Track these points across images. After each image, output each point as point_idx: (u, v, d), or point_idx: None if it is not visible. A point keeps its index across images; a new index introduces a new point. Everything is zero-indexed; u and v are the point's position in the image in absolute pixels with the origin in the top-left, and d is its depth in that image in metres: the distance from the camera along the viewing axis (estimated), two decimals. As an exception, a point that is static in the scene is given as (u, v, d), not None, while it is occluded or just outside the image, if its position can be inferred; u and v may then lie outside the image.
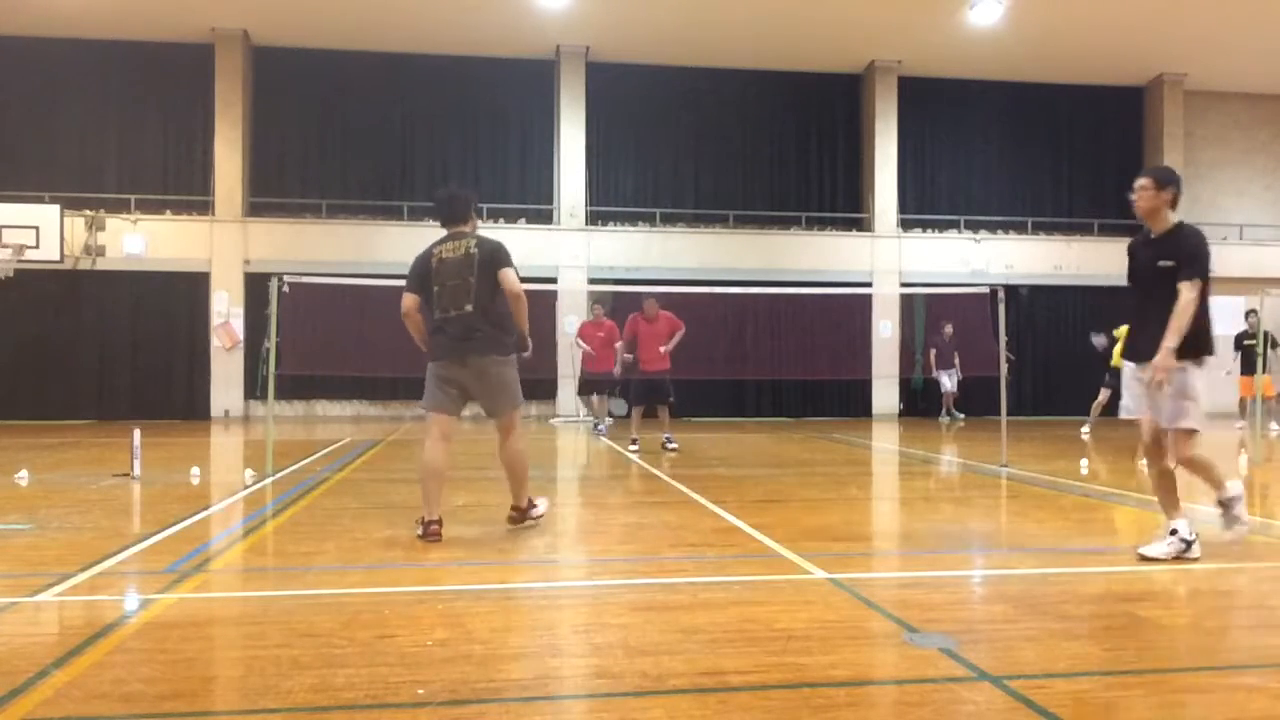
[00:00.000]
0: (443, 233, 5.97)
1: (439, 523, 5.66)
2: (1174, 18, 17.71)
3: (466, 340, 5.69)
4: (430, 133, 19.41)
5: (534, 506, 6.11)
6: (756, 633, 3.72)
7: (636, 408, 11.86)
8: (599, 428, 14.40)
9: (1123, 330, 10.69)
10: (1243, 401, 14.72)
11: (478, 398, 5.89)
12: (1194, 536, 5.10)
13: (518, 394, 5.90)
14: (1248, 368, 13.98)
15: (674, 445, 11.60)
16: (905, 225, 20.27)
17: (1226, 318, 20.90)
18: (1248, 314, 14.89)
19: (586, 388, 14.77)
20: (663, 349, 11.36)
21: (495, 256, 5.79)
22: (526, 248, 18.82)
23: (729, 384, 18.85)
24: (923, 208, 20.48)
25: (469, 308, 5.67)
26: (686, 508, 7.03)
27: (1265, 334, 13.67)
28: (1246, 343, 14.55)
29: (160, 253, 17.95)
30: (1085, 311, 20.38)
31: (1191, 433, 5.01)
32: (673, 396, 11.77)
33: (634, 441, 11.56)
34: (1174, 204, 5.12)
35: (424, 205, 19.05)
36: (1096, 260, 20.35)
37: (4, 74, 18.13)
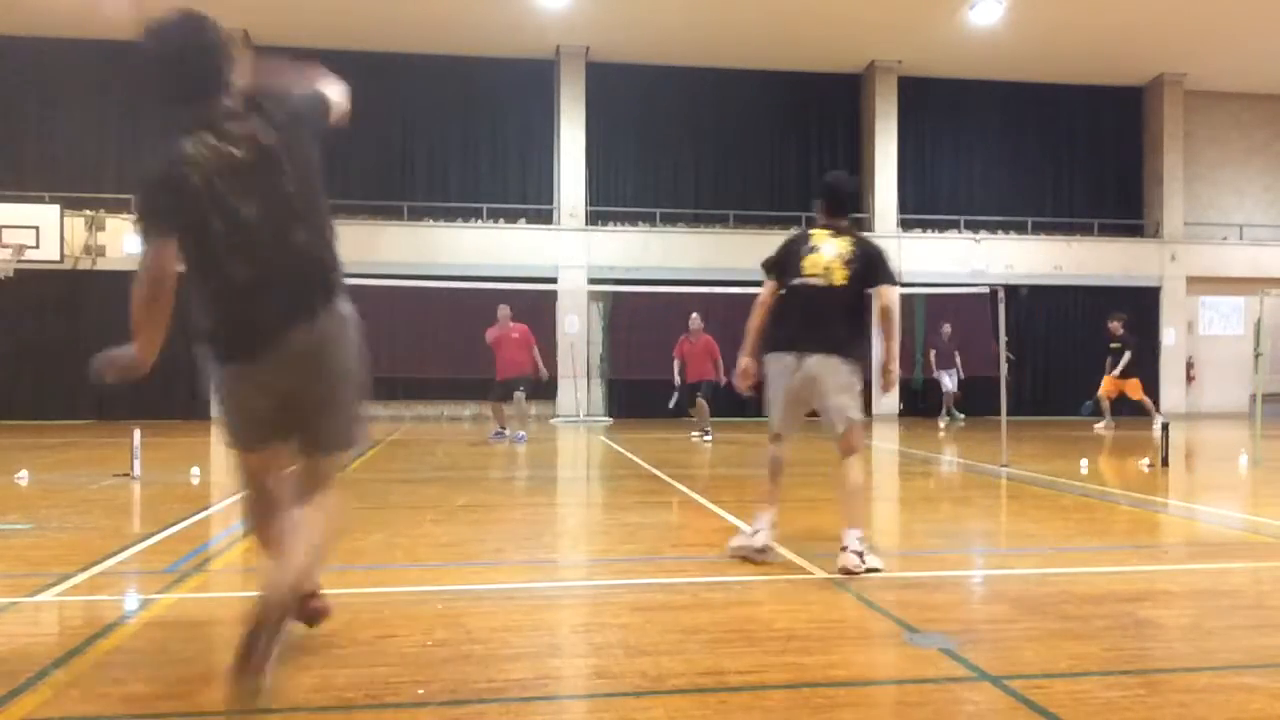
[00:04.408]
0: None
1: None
2: (1174, 18, 17.70)
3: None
4: (430, 133, 19.40)
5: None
6: (756, 633, 3.72)
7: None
8: (503, 433, 13.17)
9: None
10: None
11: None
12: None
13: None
14: None
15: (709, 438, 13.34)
16: (905, 225, 20.26)
17: (1225, 317, 21.13)
18: None
19: (500, 390, 13.16)
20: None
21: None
22: (526, 248, 18.84)
23: (729, 384, 18.85)
24: (923, 208, 20.46)
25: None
26: (686, 508, 7.04)
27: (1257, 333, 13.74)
28: None
29: (160, 253, 17.92)
30: (1085, 311, 20.40)
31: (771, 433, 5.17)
32: (702, 396, 13.72)
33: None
34: (818, 210, 5.20)
35: (424, 205, 19.08)
36: (1096, 260, 20.34)
37: (4, 74, 18.13)
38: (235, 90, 3.00)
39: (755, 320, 5.09)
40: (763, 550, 4.97)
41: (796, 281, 4.93)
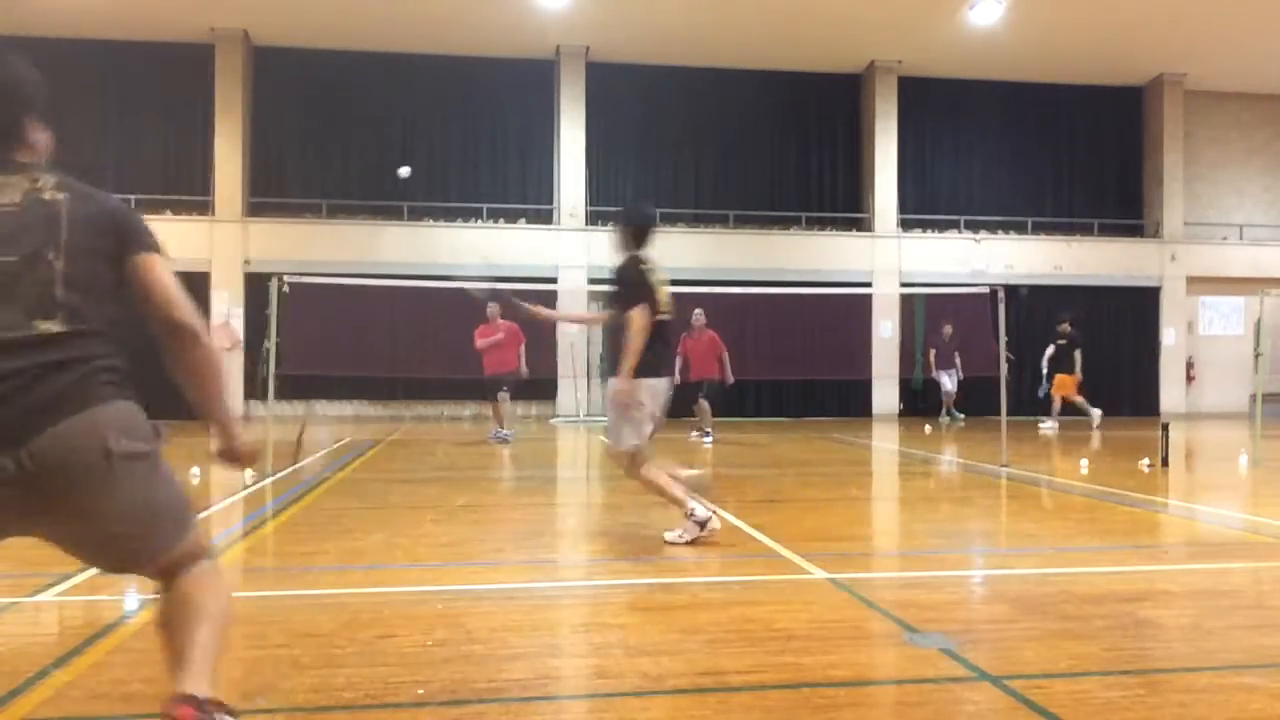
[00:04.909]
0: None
1: None
2: (1174, 18, 17.70)
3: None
4: (430, 133, 19.40)
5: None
6: (756, 633, 3.72)
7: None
8: (503, 433, 13.12)
9: None
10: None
11: None
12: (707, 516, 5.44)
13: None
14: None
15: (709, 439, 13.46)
16: (905, 225, 20.25)
17: (1225, 317, 21.13)
18: None
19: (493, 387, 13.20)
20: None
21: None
22: (526, 248, 18.83)
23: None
24: (923, 208, 20.45)
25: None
26: (686, 508, 7.02)
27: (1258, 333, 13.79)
28: None
29: (160, 253, 17.93)
30: (1085, 312, 20.39)
31: (630, 450, 5.51)
32: (703, 396, 13.89)
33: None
34: (631, 239, 5.59)
35: (424, 205, 19.08)
36: (1096, 260, 20.33)
37: (4, 74, 18.09)
38: (37, 148, 2.42)
39: (641, 345, 5.29)
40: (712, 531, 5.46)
41: (661, 315, 5.44)
